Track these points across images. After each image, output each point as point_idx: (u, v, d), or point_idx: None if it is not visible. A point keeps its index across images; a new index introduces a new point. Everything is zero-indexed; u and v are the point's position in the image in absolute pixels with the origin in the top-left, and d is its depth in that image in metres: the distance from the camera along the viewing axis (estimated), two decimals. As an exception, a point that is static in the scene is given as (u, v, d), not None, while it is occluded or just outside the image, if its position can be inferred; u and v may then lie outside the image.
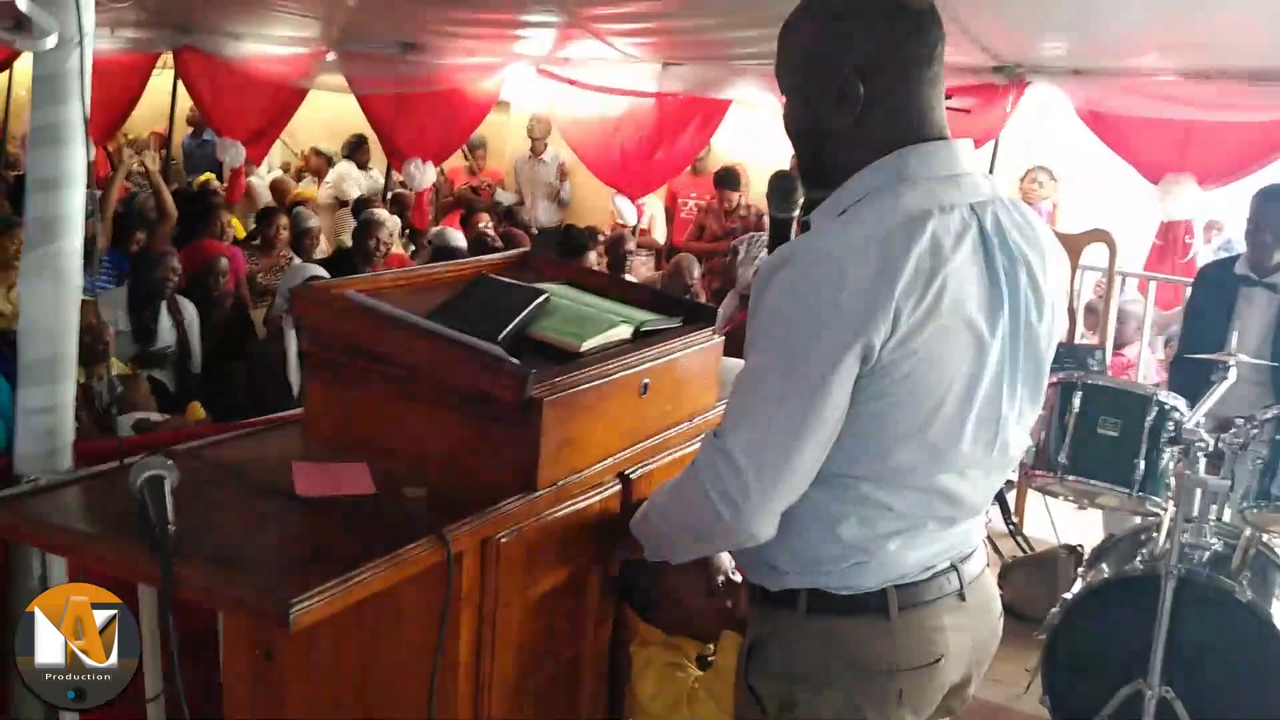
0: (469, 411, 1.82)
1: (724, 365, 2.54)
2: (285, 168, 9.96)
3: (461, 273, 2.25)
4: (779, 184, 1.92)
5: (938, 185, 1.49)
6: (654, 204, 7.82)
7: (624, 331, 2.07)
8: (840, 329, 1.40)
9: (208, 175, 8.21)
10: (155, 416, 3.82)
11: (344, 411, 1.93)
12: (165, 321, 4.91)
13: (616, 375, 1.97)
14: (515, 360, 1.79)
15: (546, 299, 2.05)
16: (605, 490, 2.02)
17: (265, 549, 1.59)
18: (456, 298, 2.01)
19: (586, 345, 1.97)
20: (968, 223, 1.49)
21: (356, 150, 9.05)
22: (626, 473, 2.07)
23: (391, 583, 1.56)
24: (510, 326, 1.93)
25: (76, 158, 1.80)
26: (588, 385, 1.90)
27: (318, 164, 9.39)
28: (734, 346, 2.43)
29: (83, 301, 4.08)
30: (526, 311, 1.99)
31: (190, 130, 9.74)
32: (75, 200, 1.82)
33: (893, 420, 1.46)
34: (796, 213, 1.93)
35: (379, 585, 1.53)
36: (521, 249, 2.93)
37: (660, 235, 7.98)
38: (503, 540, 1.77)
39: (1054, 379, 3.53)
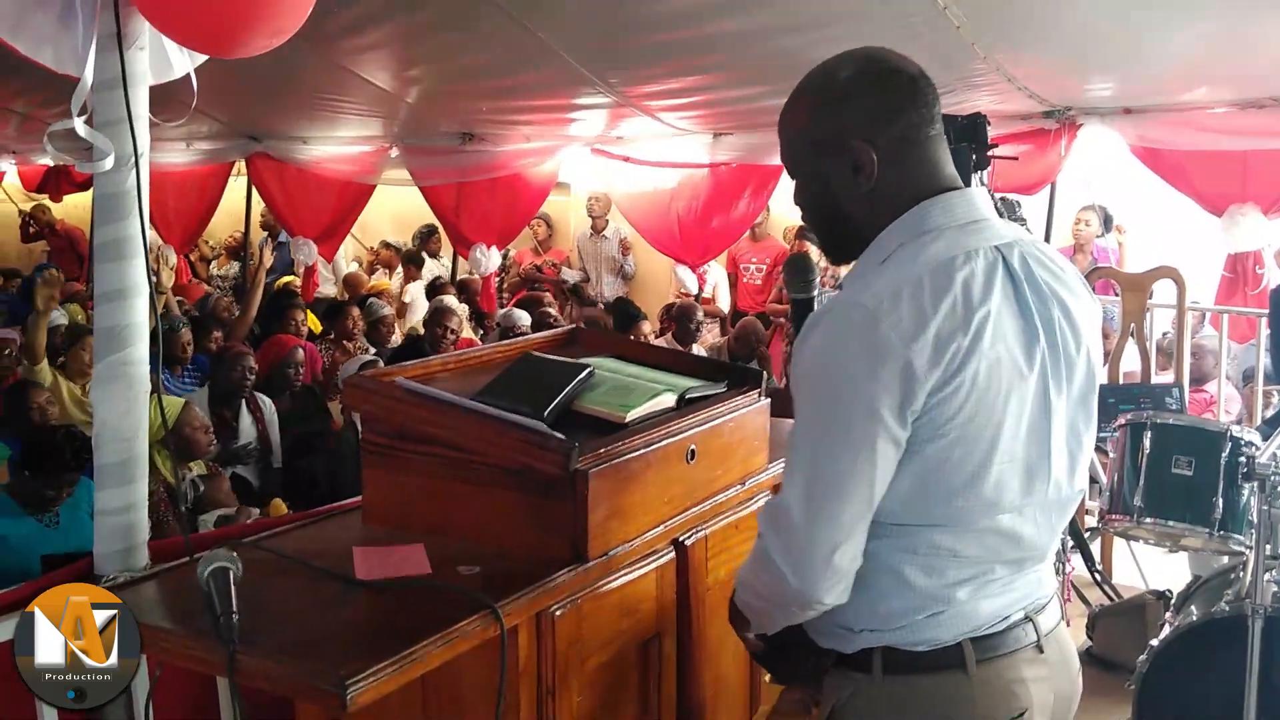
0: (518, 487, 1.86)
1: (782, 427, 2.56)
2: (358, 261, 10.27)
3: (509, 352, 2.31)
4: (795, 266, 1.95)
5: (960, 232, 1.53)
6: (716, 271, 7.89)
7: (668, 400, 2.10)
8: (878, 374, 1.42)
9: (289, 278, 8.50)
10: (234, 511, 3.93)
11: (399, 495, 1.99)
12: (246, 419, 5.06)
13: (662, 443, 2.00)
14: (560, 435, 1.84)
15: (591, 372, 2.10)
16: (660, 558, 2.05)
17: (325, 633, 1.64)
18: (502, 377, 2.07)
19: (631, 415, 2.01)
20: (994, 264, 1.52)
21: (428, 240, 9.34)
22: (680, 539, 2.10)
23: (446, 659, 1.59)
24: (555, 402, 1.98)
25: (139, 270, 1.91)
26: (633, 455, 1.93)
27: (388, 256, 9.67)
28: (780, 407, 2.46)
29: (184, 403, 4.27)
30: (571, 386, 2.04)
31: (265, 234, 10.11)
32: (140, 309, 1.93)
33: (951, 462, 1.47)
34: (816, 293, 1.96)
35: (434, 662, 1.57)
36: (569, 326, 2.99)
37: (724, 302, 8.04)
38: (556, 613, 1.80)
39: (1122, 420, 3.47)
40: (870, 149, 1.53)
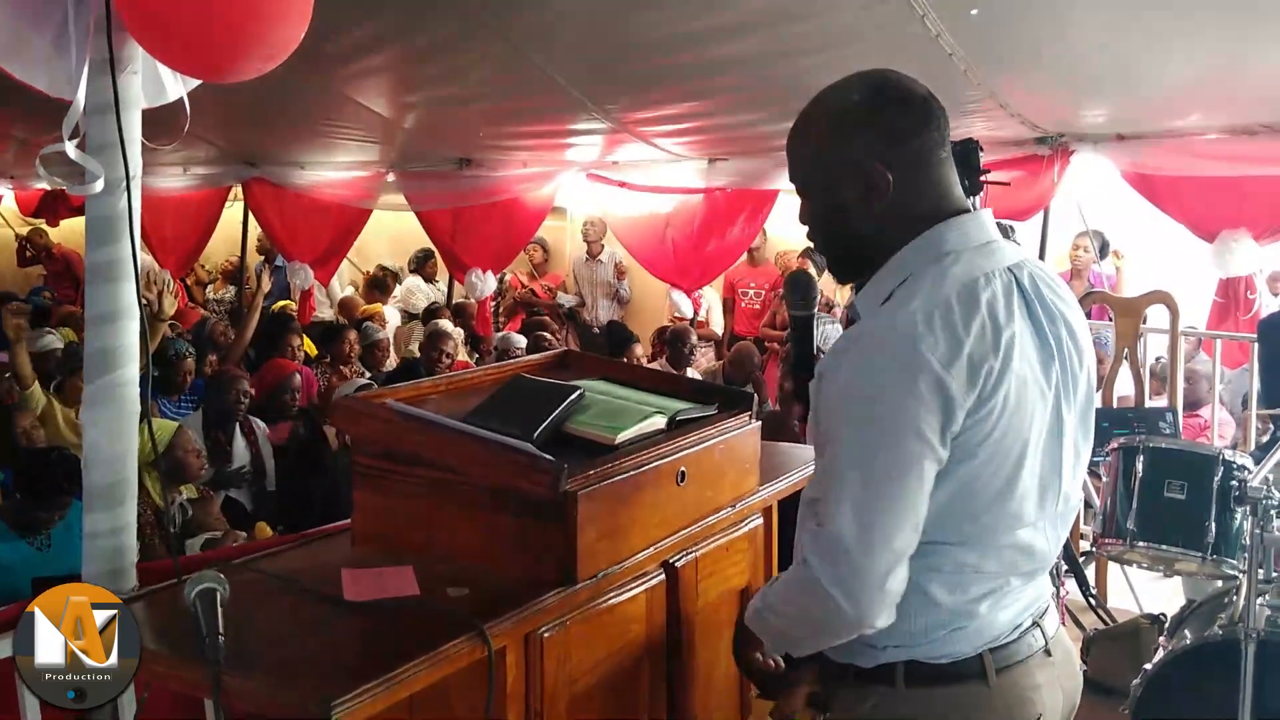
0: (507, 509, 1.86)
1: (782, 450, 2.56)
2: (354, 285, 10.28)
3: (500, 375, 2.32)
4: (795, 283, 1.95)
5: (975, 254, 1.54)
6: (711, 295, 7.91)
7: (659, 422, 2.11)
8: (921, 396, 1.43)
9: (285, 302, 8.52)
10: (221, 534, 3.91)
11: (389, 517, 1.99)
12: (240, 442, 5.06)
13: (652, 465, 2.00)
14: (549, 456, 1.84)
15: (581, 395, 2.10)
16: (650, 580, 2.05)
17: (312, 654, 1.64)
18: (492, 399, 2.07)
19: (621, 437, 2.01)
20: (1010, 285, 1.54)
21: (424, 264, 9.36)
22: (670, 561, 2.10)
23: (433, 680, 1.59)
24: (545, 424, 1.98)
25: (129, 293, 1.91)
26: (623, 477, 1.93)
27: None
28: (772, 431, 2.46)
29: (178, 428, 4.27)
30: (561, 408, 2.04)
31: (262, 258, 10.13)
32: (131, 332, 1.93)
33: (981, 481, 1.49)
34: (815, 309, 1.96)
35: (420, 684, 1.56)
36: (559, 349, 3.00)
37: (719, 326, 8.06)
38: (545, 634, 1.79)
39: (1116, 444, 3.47)
40: (885, 170, 1.54)
